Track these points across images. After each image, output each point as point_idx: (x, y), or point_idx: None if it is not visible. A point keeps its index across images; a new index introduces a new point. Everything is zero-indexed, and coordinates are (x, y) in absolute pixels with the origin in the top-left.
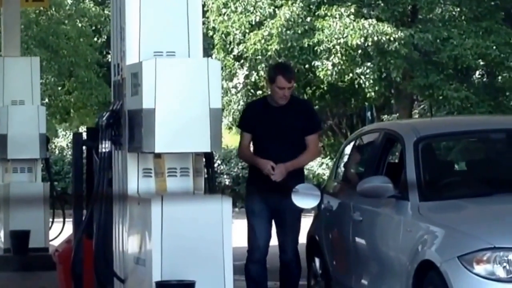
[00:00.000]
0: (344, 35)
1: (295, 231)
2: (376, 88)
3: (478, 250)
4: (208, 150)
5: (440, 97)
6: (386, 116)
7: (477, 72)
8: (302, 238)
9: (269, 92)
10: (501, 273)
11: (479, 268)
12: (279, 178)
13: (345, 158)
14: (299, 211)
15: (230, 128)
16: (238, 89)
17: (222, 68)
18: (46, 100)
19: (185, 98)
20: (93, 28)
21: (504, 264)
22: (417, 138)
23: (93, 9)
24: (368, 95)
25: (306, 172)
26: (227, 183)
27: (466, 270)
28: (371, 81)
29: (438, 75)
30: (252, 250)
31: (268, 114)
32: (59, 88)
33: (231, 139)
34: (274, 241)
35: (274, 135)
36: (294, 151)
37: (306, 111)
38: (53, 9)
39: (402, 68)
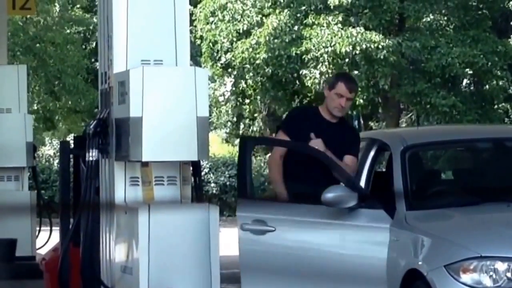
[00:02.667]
0: (332, 44)
1: None
2: (365, 95)
3: (465, 259)
4: (195, 159)
5: (428, 105)
6: (374, 123)
7: (465, 81)
8: None
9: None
10: (487, 282)
11: (466, 277)
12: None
13: None
14: None
15: (227, 141)
16: (226, 97)
17: (209, 77)
18: (35, 107)
19: (172, 106)
20: (81, 35)
21: (491, 273)
22: (404, 147)
23: (79, 15)
24: (357, 102)
25: None
26: (214, 191)
27: (452, 279)
28: (359, 89)
29: (426, 83)
30: None
31: (318, 125)
32: (46, 95)
33: (219, 148)
34: None
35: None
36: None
37: (353, 136)
38: (40, 16)
39: (389, 76)
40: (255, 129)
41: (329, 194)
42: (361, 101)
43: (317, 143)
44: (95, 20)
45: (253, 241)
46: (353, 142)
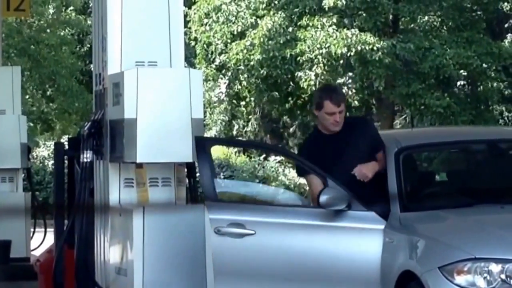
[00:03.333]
0: (327, 45)
1: None
2: (359, 97)
3: (459, 261)
4: (190, 160)
5: (422, 106)
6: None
7: (459, 82)
8: None
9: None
10: (481, 283)
11: (460, 279)
12: (362, 176)
13: None
14: None
15: None
16: (221, 98)
17: (204, 78)
18: (29, 108)
19: (167, 108)
20: (75, 37)
21: (485, 274)
22: (398, 149)
23: (74, 17)
24: (352, 104)
25: (287, 182)
26: None
27: (447, 280)
28: (354, 90)
29: (420, 85)
30: None
31: (326, 146)
32: (40, 97)
33: (213, 149)
34: None
35: (340, 168)
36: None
37: (365, 130)
38: (34, 18)
39: (384, 78)
40: (249, 129)
41: (324, 196)
42: (356, 102)
43: (368, 169)
44: (89, 22)
45: (229, 245)
46: (371, 135)
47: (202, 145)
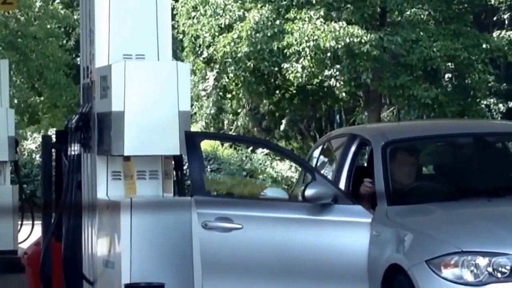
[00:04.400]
0: (314, 38)
1: None
2: (347, 89)
3: (446, 254)
4: (177, 153)
5: (410, 98)
6: (356, 117)
7: (446, 75)
8: None
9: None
10: (468, 277)
11: (447, 272)
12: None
13: (314, 162)
14: None
15: None
16: (208, 91)
17: (191, 71)
18: (16, 101)
19: (154, 101)
20: (62, 30)
21: (472, 268)
22: (385, 143)
23: (62, 12)
24: (340, 96)
25: (275, 174)
26: None
27: (434, 274)
28: (342, 83)
29: (408, 76)
30: None
31: None
32: (28, 90)
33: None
34: None
35: None
36: None
37: None
38: (22, 11)
39: (371, 70)
40: (239, 123)
41: (310, 190)
42: (344, 94)
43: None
44: (75, 16)
45: (217, 239)
46: None
47: (192, 139)
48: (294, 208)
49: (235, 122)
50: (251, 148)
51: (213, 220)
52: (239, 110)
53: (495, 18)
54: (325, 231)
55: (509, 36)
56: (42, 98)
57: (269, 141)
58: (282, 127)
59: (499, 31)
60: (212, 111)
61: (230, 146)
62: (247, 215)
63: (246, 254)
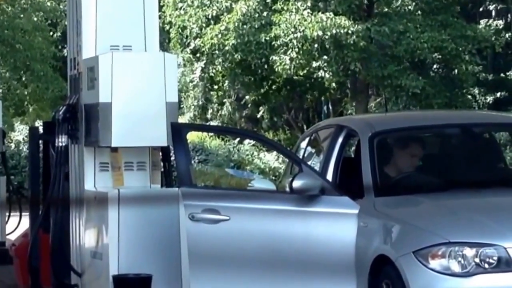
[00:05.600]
0: (302, 29)
1: None
2: (335, 79)
3: (433, 245)
4: (165, 144)
5: (398, 88)
6: (343, 108)
7: (434, 66)
8: None
9: None
10: (456, 268)
11: (434, 263)
12: None
13: (301, 153)
14: None
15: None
16: (195, 82)
17: (178, 62)
18: (0, 93)
19: (142, 92)
20: (49, 22)
21: (459, 259)
22: (372, 134)
23: (49, 3)
24: (327, 87)
25: (262, 165)
26: None
27: (421, 265)
28: (330, 73)
29: (396, 67)
30: None
31: None
32: (15, 82)
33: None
34: None
35: None
36: None
37: None
38: (8, 3)
39: (359, 61)
40: (223, 113)
41: (297, 182)
42: (333, 84)
43: None
44: (61, 7)
45: (204, 231)
46: None
47: (178, 131)
48: (282, 199)
49: (219, 112)
50: (238, 139)
51: (200, 212)
52: (224, 100)
53: (481, 9)
54: (313, 222)
55: (496, 25)
56: (29, 91)
57: (257, 132)
58: (263, 116)
59: (486, 19)
60: (200, 103)
61: (218, 137)
62: (234, 206)
63: (233, 245)
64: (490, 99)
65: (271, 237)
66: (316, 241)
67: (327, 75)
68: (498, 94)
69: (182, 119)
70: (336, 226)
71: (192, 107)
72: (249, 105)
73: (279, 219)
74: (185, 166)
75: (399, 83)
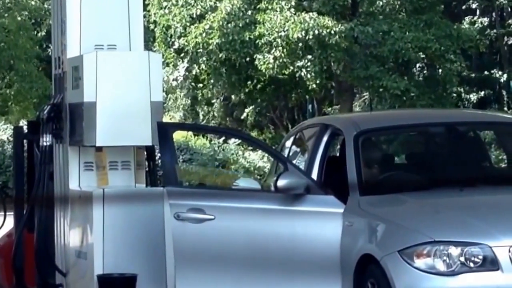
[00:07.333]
0: (285, 29)
1: None
2: (318, 80)
3: (418, 244)
4: (150, 144)
5: (381, 89)
6: (330, 109)
7: (417, 65)
8: None
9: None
10: (441, 266)
11: (420, 262)
12: None
13: (286, 152)
14: None
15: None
16: (179, 81)
17: (163, 61)
18: None
19: (126, 91)
20: (33, 21)
21: (444, 257)
22: (357, 132)
23: (33, 2)
24: (310, 87)
25: (247, 165)
26: None
27: (406, 264)
28: (313, 74)
29: (379, 67)
30: None
31: None
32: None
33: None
34: None
35: None
36: None
37: None
38: None
39: (342, 61)
40: (215, 114)
41: (282, 181)
42: (314, 86)
43: None
44: (46, 6)
45: (189, 230)
46: None
47: (164, 131)
48: (267, 198)
49: (210, 113)
50: (223, 138)
51: (185, 211)
52: (213, 101)
53: (464, 7)
54: (298, 221)
55: (480, 22)
56: (12, 91)
57: (242, 131)
58: (248, 116)
59: (471, 16)
60: (188, 102)
61: (203, 136)
62: (219, 205)
63: (218, 244)
64: (474, 98)
65: (256, 236)
66: (301, 240)
67: (309, 76)
68: (483, 93)
69: (171, 120)
70: (321, 225)
71: (181, 106)
72: (236, 105)
73: (264, 218)
74: (170, 165)
75: (381, 84)
